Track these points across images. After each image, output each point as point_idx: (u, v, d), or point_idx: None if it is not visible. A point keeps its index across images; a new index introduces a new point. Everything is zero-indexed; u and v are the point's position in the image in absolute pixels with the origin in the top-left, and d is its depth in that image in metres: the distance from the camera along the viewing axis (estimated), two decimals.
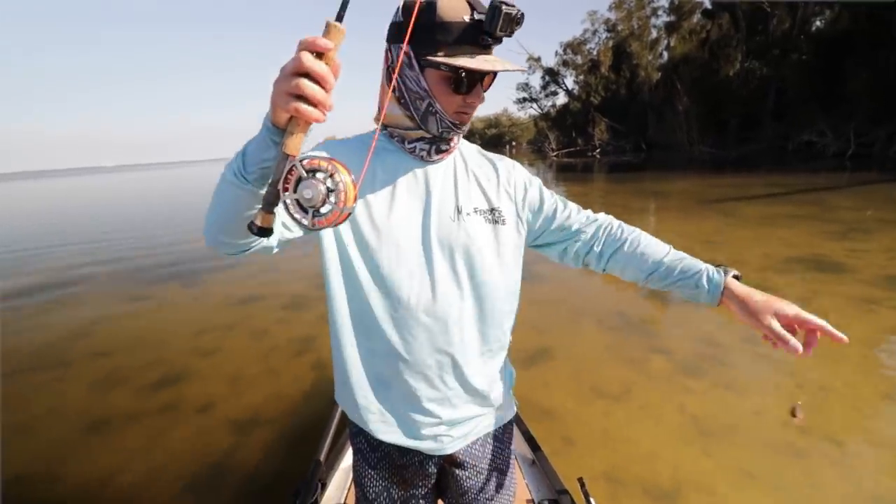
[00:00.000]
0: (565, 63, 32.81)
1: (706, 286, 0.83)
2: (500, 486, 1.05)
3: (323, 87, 0.55)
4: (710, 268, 0.84)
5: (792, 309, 0.76)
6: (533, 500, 1.45)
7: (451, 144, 0.88)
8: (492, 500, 1.04)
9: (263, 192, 0.61)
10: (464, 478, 0.99)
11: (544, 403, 2.80)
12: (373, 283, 0.84)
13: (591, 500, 1.24)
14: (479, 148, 1.00)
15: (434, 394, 0.89)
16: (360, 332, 0.88)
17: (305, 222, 0.58)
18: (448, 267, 0.86)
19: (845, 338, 0.73)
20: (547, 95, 35.77)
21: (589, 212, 0.99)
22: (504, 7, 0.70)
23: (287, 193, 0.57)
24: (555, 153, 31.32)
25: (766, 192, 10.05)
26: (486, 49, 0.76)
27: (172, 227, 11.57)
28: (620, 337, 3.65)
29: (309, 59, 0.54)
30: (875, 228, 6.24)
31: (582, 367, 3.23)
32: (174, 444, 2.65)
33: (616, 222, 0.97)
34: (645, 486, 2.11)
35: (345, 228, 0.84)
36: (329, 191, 0.57)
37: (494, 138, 54.86)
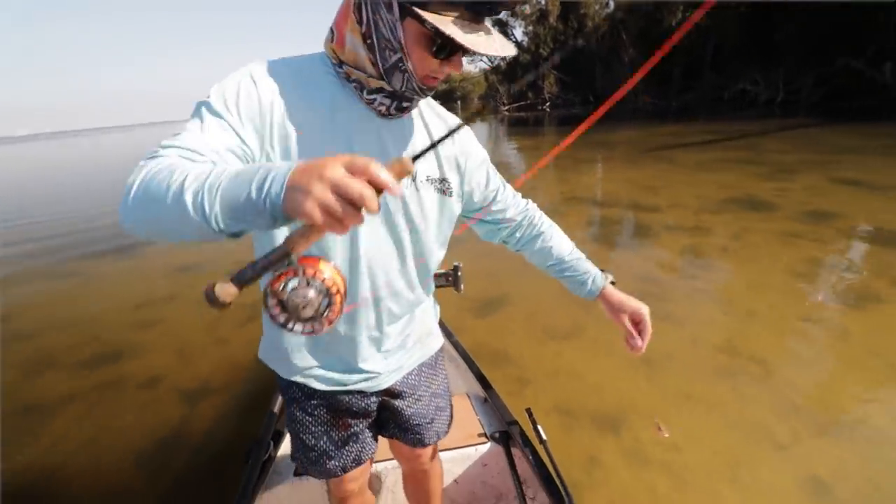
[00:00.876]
0: (513, 13, 31.98)
1: (590, 286, 0.99)
2: (439, 410, 1.09)
3: (359, 212, 0.46)
4: (597, 273, 1.00)
5: (639, 312, 0.97)
6: (485, 433, 1.50)
7: (414, 102, 0.79)
8: (432, 422, 1.09)
9: (223, 238, 0.54)
10: (403, 407, 1.02)
11: (500, 348, 2.88)
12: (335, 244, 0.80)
13: (539, 427, 1.30)
14: (435, 104, 0.92)
15: (366, 339, 0.89)
16: None
17: (280, 320, 0.53)
18: (390, 233, 0.84)
19: (639, 349, 0.96)
20: None
21: (520, 199, 1.02)
22: None
23: (273, 289, 0.52)
24: (506, 108, 31.06)
25: (704, 140, 10.49)
26: (479, 19, 0.66)
27: (97, 198, 10.68)
28: None
29: (366, 195, 0.45)
30: (800, 169, 6.68)
31: (535, 311, 3.32)
32: (119, 421, 2.53)
33: (538, 213, 1.03)
34: (593, 415, 2.24)
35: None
36: (319, 310, 0.53)
37: (445, 93, 53.59)
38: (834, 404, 2.18)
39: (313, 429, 0.98)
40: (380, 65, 0.70)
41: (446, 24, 0.63)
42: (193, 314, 3.75)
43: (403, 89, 0.73)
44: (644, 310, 0.96)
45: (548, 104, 29.10)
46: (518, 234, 1.01)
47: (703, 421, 2.15)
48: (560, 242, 1.01)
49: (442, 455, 1.44)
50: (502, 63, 35.10)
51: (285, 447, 1.56)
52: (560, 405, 2.32)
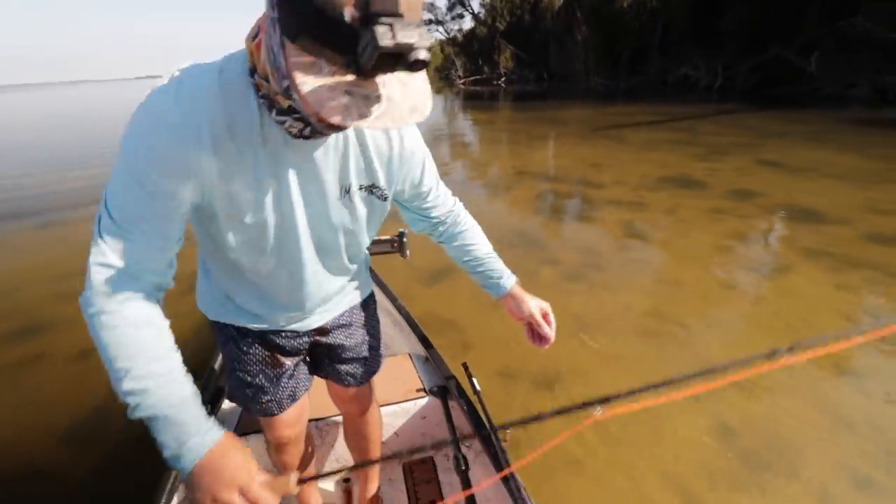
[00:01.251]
0: None
1: (502, 284, 1.04)
2: (371, 348, 1.14)
3: None
4: (508, 273, 1.05)
5: (545, 305, 1.06)
6: (424, 388, 1.56)
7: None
8: (365, 361, 1.13)
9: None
10: (335, 344, 1.07)
11: (446, 316, 2.94)
12: (262, 256, 0.81)
13: (474, 380, 1.36)
14: None
15: (299, 296, 0.92)
16: (227, 268, 0.87)
17: None
18: (324, 241, 0.85)
19: (548, 339, 1.07)
20: (453, 18, 34.14)
21: (449, 198, 1.02)
22: (386, 39, 0.45)
23: None
24: (462, 81, 30.71)
25: (649, 121, 10.90)
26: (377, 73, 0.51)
27: (20, 159, 9.68)
28: (518, 252, 3.88)
29: None
30: (731, 151, 7.12)
31: None
32: (46, 396, 2.39)
33: (463, 213, 1.04)
34: (532, 377, 2.36)
35: (210, 210, 0.73)
36: None
37: None
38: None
39: (249, 366, 1.00)
40: (279, 85, 0.57)
41: (317, 78, 0.49)
42: None
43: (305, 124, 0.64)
44: (548, 305, 1.05)
45: (503, 79, 29.05)
46: (441, 230, 1.02)
47: (630, 378, 2.32)
48: (479, 242, 1.04)
49: (383, 409, 1.49)
50: (459, 35, 34.50)
51: (225, 408, 1.54)
52: (501, 368, 2.43)
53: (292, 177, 0.73)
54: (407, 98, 0.53)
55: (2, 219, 5.48)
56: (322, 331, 1.04)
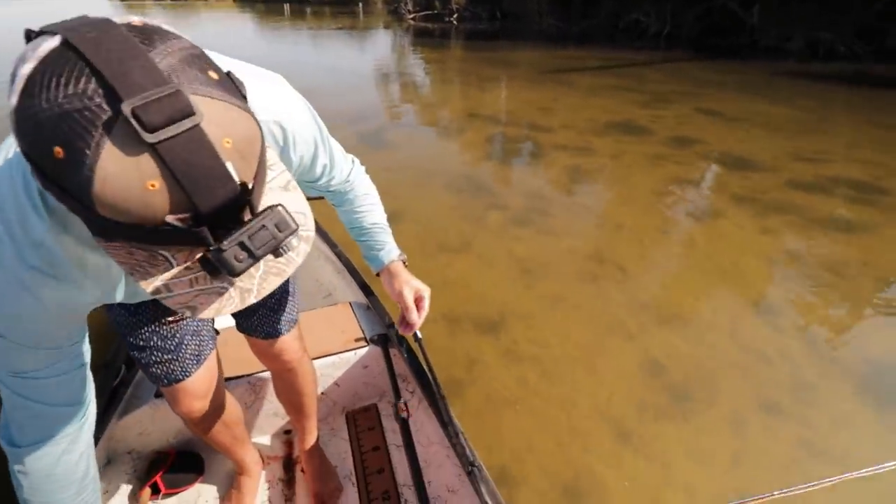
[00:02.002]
0: None
1: (378, 258, 0.97)
2: (285, 293, 1.03)
3: None
4: (393, 248, 0.98)
5: (422, 290, 0.98)
6: (365, 338, 1.49)
7: None
8: (279, 310, 1.03)
9: None
10: None
11: None
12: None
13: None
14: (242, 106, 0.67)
15: None
16: None
17: None
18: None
19: (414, 325, 1.00)
20: None
21: (345, 170, 0.88)
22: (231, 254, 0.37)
23: None
24: (412, 16, 28.82)
25: (598, 66, 10.79)
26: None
27: None
28: (465, 197, 3.78)
29: None
30: (673, 99, 7.21)
31: (429, 226, 3.30)
32: None
33: (359, 179, 0.93)
34: (475, 321, 2.34)
35: None
36: None
37: None
38: (675, 301, 2.52)
39: (140, 329, 0.86)
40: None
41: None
42: None
43: None
44: (427, 291, 0.98)
45: (455, 16, 27.54)
46: (330, 196, 0.94)
47: (569, 319, 2.36)
48: (367, 211, 0.96)
49: (323, 361, 1.42)
50: None
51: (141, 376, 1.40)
52: (446, 313, 2.39)
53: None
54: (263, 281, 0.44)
55: None
56: None
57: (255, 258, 0.37)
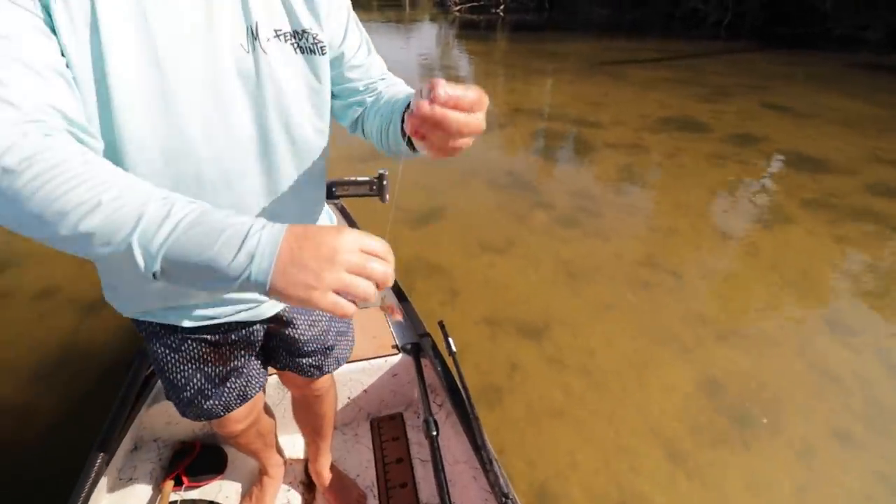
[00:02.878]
0: None
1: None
2: (339, 335, 0.95)
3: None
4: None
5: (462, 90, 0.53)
6: (397, 345, 1.46)
7: None
8: (332, 349, 0.95)
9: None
10: (296, 335, 0.87)
11: (433, 260, 2.80)
12: (142, 155, 0.53)
13: (450, 339, 1.27)
14: None
15: None
16: None
17: None
18: (249, 124, 0.59)
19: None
20: None
21: (380, 62, 0.76)
22: None
23: None
24: (458, 7, 28.58)
25: (652, 58, 10.29)
26: None
27: None
28: (508, 195, 3.68)
29: (375, 270, 0.40)
30: (735, 93, 6.76)
31: (471, 224, 3.24)
32: (6, 336, 2.25)
33: (394, 78, 0.77)
34: (519, 325, 2.27)
35: (88, 82, 0.48)
36: None
37: None
38: (735, 313, 2.35)
39: (182, 366, 0.80)
40: None
41: None
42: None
43: None
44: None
45: (502, 7, 27.08)
46: (369, 104, 0.74)
47: (618, 328, 2.24)
48: (405, 88, 0.75)
49: (352, 366, 1.40)
50: None
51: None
52: (488, 315, 2.33)
53: (173, 6, 0.50)
54: None
55: None
56: (279, 320, 0.83)
57: None
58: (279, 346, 0.90)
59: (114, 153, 0.52)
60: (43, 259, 2.88)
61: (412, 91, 0.69)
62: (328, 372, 0.99)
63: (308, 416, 1.17)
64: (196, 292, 0.70)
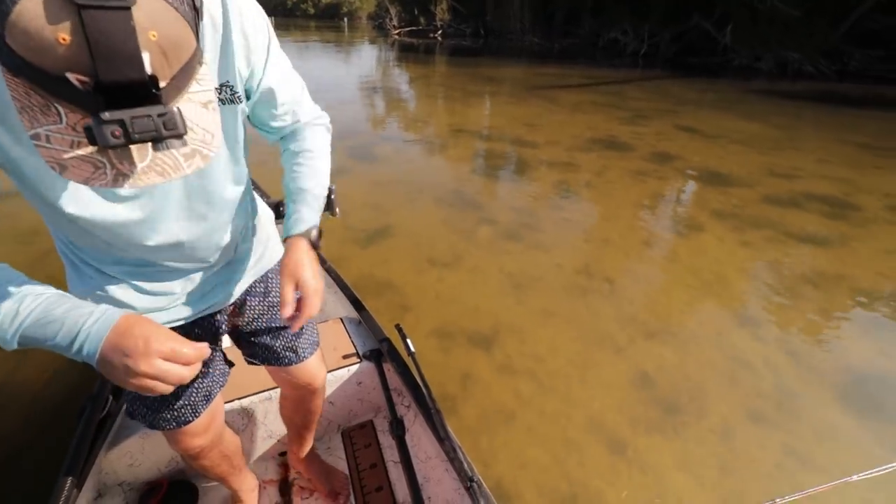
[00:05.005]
0: None
1: (287, 226, 0.80)
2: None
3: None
4: (302, 219, 0.79)
5: (290, 282, 0.73)
6: (357, 353, 1.49)
7: None
8: (301, 332, 1.00)
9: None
10: (257, 317, 0.91)
11: (383, 278, 2.84)
12: (92, 231, 0.62)
13: (408, 341, 1.31)
14: None
15: (193, 266, 0.74)
16: (73, 232, 0.66)
17: None
18: (179, 188, 0.65)
19: (292, 321, 0.74)
20: None
21: (305, 110, 0.83)
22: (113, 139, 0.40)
23: None
24: (396, 31, 29.15)
25: (579, 83, 11.06)
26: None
27: None
28: (454, 212, 3.81)
29: (171, 377, 0.53)
30: (653, 116, 7.43)
31: (419, 241, 3.32)
32: None
33: (313, 130, 0.85)
34: (469, 336, 2.35)
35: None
36: None
37: (330, 8, 48.31)
38: (661, 314, 2.58)
39: None
40: None
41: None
42: (14, 249, 3.05)
43: None
44: (315, 290, 0.74)
45: (440, 32, 27.95)
46: (281, 137, 0.85)
47: (561, 333, 2.39)
48: (302, 174, 0.82)
49: None
50: None
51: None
52: (439, 328, 2.40)
53: None
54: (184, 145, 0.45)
55: None
56: (237, 306, 0.87)
57: (130, 140, 0.40)
58: (246, 335, 0.93)
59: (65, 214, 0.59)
60: None
61: (294, 193, 0.81)
62: (306, 357, 1.00)
63: (299, 412, 1.17)
64: (151, 294, 0.74)
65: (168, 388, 0.52)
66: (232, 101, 0.66)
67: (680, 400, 2.01)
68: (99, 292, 0.71)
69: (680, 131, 6.49)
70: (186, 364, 0.53)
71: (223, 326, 0.88)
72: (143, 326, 0.52)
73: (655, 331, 2.43)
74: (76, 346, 0.51)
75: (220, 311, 0.86)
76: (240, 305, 0.89)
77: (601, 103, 8.53)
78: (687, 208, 4.04)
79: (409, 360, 1.32)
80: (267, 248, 0.91)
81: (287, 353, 0.98)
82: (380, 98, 9.09)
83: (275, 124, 0.79)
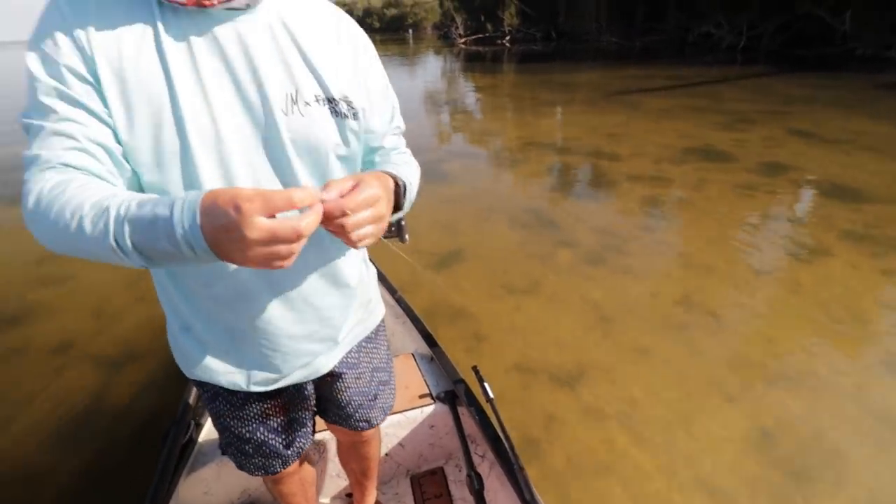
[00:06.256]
0: None
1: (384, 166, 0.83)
2: (382, 384, 1.04)
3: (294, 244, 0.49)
4: (405, 178, 0.79)
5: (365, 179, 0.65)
6: (430, 394, 1.49)
7: None
8: (376, 399, 1.03)
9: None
10: (343, 388, 0.96)
11: (456, 304, 2.86)
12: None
13: (486, 385, 1.29)
14: None
15: (293, 326, 0.77)
16: (189, 277, 0.71)
17: None
18: (278, 180, 0.68)
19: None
20: None
21: (400, 133, 0.88)
22: None
23: None
24: (462, 40, 29.87)
25: (665, 85, 10.62)
26: None
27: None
28: (530, 233, 3.77)
29: (284, 231, 0.46)
30: (757, 119, 6.93)
31: (493, 265, 3.31)
32: (24, 392, 2.32)
33: (408, 152, 0.89)
34: (551, 372, 2.29)
35: (146, 142, 0.60)
36: None
37: (395, 20, 50.68)
38: (781, 355, 2.35)
39: (245, 423, 0.89)
40: None
41: None
42: (110, 269, 3.45)
43: None
44: (375, 186, 0.61)
45: (507, 38, 28.24)
46: (375, 154, 0.86)
47: (658, 374, 2.25)
48: (400, 162, 0.84)
49: (387, 419, 1.43)
50: None
51: (209, 429, 1.47)
52: (518, 362, 2.35)
53: (206, 59, 0.61)
54: None
55: None
56: (330, 375, 0.91)
57: None
58: (329, 400, 0.99)
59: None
60: (56, 313, 2.98)
61: (396, 167, 0.79)
62: (376, 424, 1.07)
63: (355, 459, 1.24)
64: (250, 357, 0.78)
65: (293, 249, 0.48)
66: (343, 115, 0.70)
67: (810, 463, 1.80)
68: (190, 344, 0.78)
69: (792, 136, 5.98)
70: (289, 208, 0.47)
71: (311, 393, 0.94)
72: (226, 192, 0.47)
73: (775, 376, 2.21)
74: (184, 247, 0.48)
75: (314, 379, 0.90)
76: (332, 376, 0.93)
77: (693, 107, 8.11)
78: (808, 228, 3.68)
79: (486, 407, 1.30)
80: (368, 310, 0.94)
81: (360, 423, 1.04)
82: (445, 110, 9.30)
83: (378, 144, 0.83)
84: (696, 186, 4.50)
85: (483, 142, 6.80)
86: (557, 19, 26.30)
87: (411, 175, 0.82)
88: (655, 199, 4.31)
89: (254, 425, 0.89)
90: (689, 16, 20.01)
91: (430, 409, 1.48)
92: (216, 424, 0.93)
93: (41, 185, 0.54)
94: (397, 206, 0.73)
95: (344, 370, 0.92)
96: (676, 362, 2.33)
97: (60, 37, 0.56)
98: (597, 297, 2.86)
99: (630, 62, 16.20)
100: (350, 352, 0.92)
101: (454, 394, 1.48)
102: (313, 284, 0.77)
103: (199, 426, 1.42)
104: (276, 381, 0.81)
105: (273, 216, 0.46)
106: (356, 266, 0.86)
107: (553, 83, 11.96)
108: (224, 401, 0.87)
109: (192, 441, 1.37)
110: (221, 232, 0.46)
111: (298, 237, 0.47)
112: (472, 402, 1.39)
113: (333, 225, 0.55)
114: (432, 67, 18.34)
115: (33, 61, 0.57)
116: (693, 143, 5.88)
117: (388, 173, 0.71)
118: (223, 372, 0.79)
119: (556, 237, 3.66)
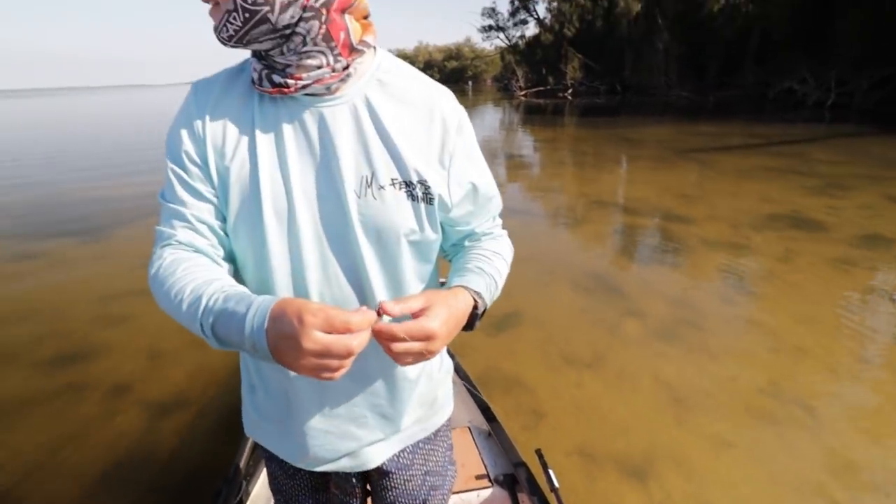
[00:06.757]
0: None
1: (451, 280, 0.83)
2: (433, 489, 1.00)
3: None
4: (472, 282, 0.78)
5: (435, 308, 0.68)
6: (488, 475, 1.46)
7: (306, 65, 0.67)
8: (425, 502, 1.00)
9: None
10: (390, 487, 0.96)
11: (511, 373, 2.83)
12: (278, 271, 0.73)
13: (550, 471, 1.26)
14: (406, 66, 0.78)
15: (354, 412, 0.82)
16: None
17: None
18: (349, 259, 0.74)
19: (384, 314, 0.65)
20: (516, 24, 34.96)
21: (498, 218, 0.91)
22: None
23: None
24: (523, 92, 31.00)
25: (744, 143, 10.44)
26: None
27: (69, 165, 10.61)
28: (594, 299, 3.72)
29: (351, 349, 0.54)
30: (853, 185, 6.63)
31: (553, 332, 3.28)
32: (79, 431, 2.49)
33: (503, 236, 0.91)
34: (618, 460, 2.19)
35: (241, 216, 0.72)
36: None
37: (455, 72, 53.55)
38: (893, 458, 2.14)
39: (297, 492, 0.96)
40: None
41: None
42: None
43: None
44: (436, 322, 0.63)
45: (570, 91, 29.02)
46: (466, 238, 0.88)
47: (743, 472, 2.10)
48: (485, 257, 0.83)
49: None
50: (521, 42, 35.02)
51: (261, 484, 1.52)
52: (580, 446, 2.28)
53: (290, 142, 0.71)
54: None
55: (50, 232, 5.96)
56: (379, 471, 0.93)
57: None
58: (376, 496, 1.00)
59: (261, 264, 0.73)
60: (113, 352, 3.22)
61: (481, 265, 0.81)
62: None
63: None
64: (308, 438, 0.83)
65: (344, 364, 0.55)
66: (419, 199, 0.74)
67: None
68: (257, 416, 0.86)
69: (894, 204, 5.66)
70: (346, 332, 0.54)
71: (358, 483, 0.95)
72: (295, 304, 0.55)
73: (888, 484, 2.01)
74: (248, 345, 0.57)
75: (362, 471, 0.92)
76: (380, 472, 0.94)
77: (777, 168, 7.89)
78: None
79: (550, 497, 1.27)
80: (432, 409, 0.93)
81: None
82: (502, 163, 9.54)
83: (476, 234, 0.87)
84: (782, 257, 4.31)
85: (542, 198, 6.88)
86: (623, 72, 26.85)
87: (501, 269, 0.84)
88: (735, 269, 4.16)
89: (303, 496, 0.95)
90: (768, 70, 19.85)
91: (487, 492, 1.46)
92: (271, 485, 0.99)
93: (160, 260, 0.68)
94: (470, 325, 0.75)
95: (393, 469, 0.92)
96: (765, 459, 2.17)
97: (184, 127, 0.71)
98: (669, 376, 2.75)
99: (702, 118, 16.11)
100: (404, 451, 0.92)
101: (514, 478, 1.45)
102: (367, 369, 0.79)
103: (249, 489, 1.48)
104: (322, 463, 0.85)
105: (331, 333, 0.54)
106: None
107: (618, 138, 12.05)
108: (278, 465, 0.93)
109: (243, 502, 1.43)
110: (282, 338, 0.54)
111: (349, 354, 0.54)
112: (535, 489, 1.35)
113: (381, 342, 0.61)
114: (490, 118, 19.02)
115: (167, 147, 0.72)
116: (777, 209, 5.68)
117: (469, 290, 0.74)
118: (277, 441, 0.87)
119: (622, 306, 3.59)
